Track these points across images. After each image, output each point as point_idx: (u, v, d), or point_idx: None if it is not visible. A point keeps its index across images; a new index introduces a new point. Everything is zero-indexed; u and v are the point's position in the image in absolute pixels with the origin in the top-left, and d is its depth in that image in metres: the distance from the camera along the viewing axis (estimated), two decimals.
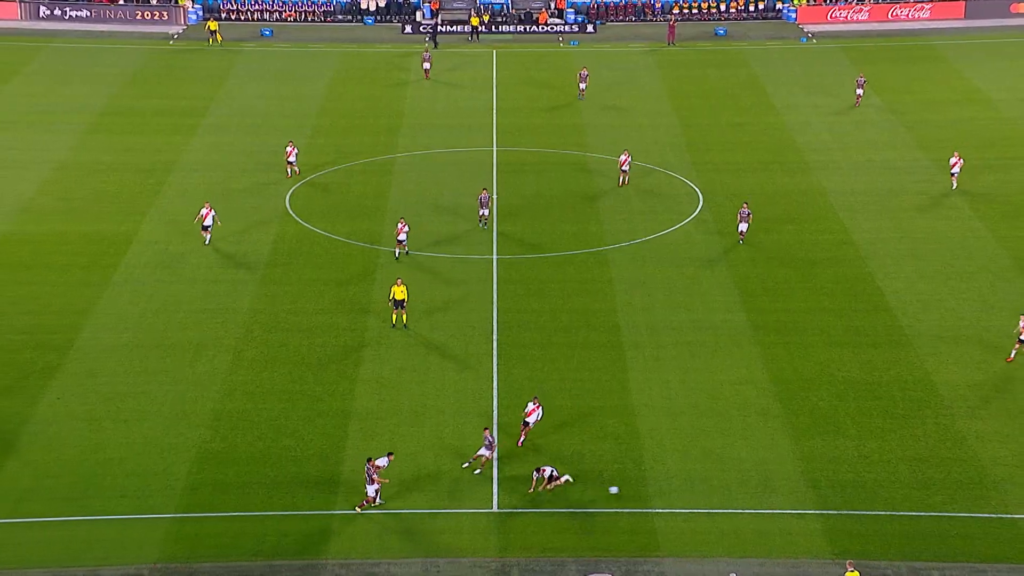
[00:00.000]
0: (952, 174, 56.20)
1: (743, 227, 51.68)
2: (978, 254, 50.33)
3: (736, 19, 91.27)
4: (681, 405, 40.34)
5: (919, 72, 76.92)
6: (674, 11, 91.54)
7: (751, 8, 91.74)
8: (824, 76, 76.93)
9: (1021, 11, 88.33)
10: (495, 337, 44.90)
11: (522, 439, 38.09)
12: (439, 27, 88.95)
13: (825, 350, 43.47)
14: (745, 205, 52.04)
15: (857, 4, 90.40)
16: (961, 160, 56.13)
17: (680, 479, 36.52)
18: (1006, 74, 75.19)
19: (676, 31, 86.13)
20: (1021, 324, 41.00)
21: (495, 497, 35.87)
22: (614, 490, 35.76)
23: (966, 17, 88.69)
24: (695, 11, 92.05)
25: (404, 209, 55.81)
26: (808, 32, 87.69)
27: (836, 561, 32.92)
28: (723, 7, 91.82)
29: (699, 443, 38.16)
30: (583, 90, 71.93)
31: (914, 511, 34.76)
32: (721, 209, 56.12)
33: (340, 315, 46.21)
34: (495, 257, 51.55)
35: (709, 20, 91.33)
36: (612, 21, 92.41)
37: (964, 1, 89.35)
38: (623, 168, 58.66)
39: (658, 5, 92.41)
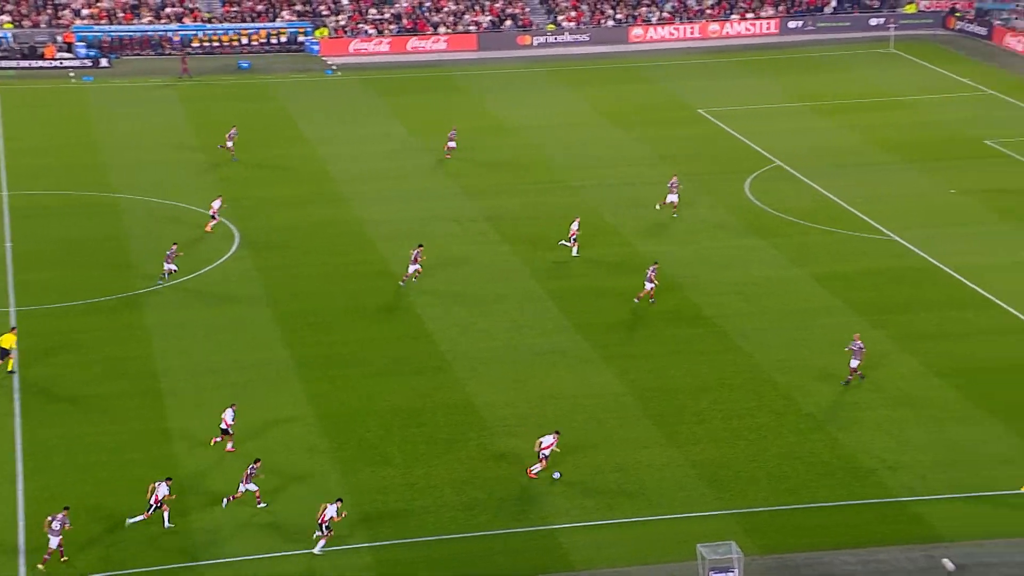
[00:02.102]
0: (573, 239, 54.06)
1: (415, 268, 50.68)
2: (507, 276, 52.89)
3: (259, 52, 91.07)
4: (226, 450, 39.39)
5: (441, 102, 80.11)
6: (193, 44, 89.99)
7: (273, 41, 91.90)
8: (352, 107, 78.34)
9: (527, 43, 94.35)
10: (17, 396, 41.89)
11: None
12: None
13: (370, 380, 44.02)
14: (420, 247, 51.28)
15: (377, 36, 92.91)
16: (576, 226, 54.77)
17: (230, 527, 35.58)
18: (519, 102, 79.92)
19: (188, 63, 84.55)
20: (540, 443, 38.00)
21: (21, 569, 33.38)
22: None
23: (479, 49, 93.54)
24: (216, 44, 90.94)
25: None
26: (332, 64, 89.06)
27: None
28: (245, 40, 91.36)
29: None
30: (230, 148, 66.26)
31: (461, 532, 35.78)
32: (259, 245, 55.60)
33: None
34: (13, 309, 48.21)
35: (231, 53, 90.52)
36: (128, 55, 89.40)
37: (476, 34, 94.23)
38: (213, 215, 56.40)
39: (176, 38, 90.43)
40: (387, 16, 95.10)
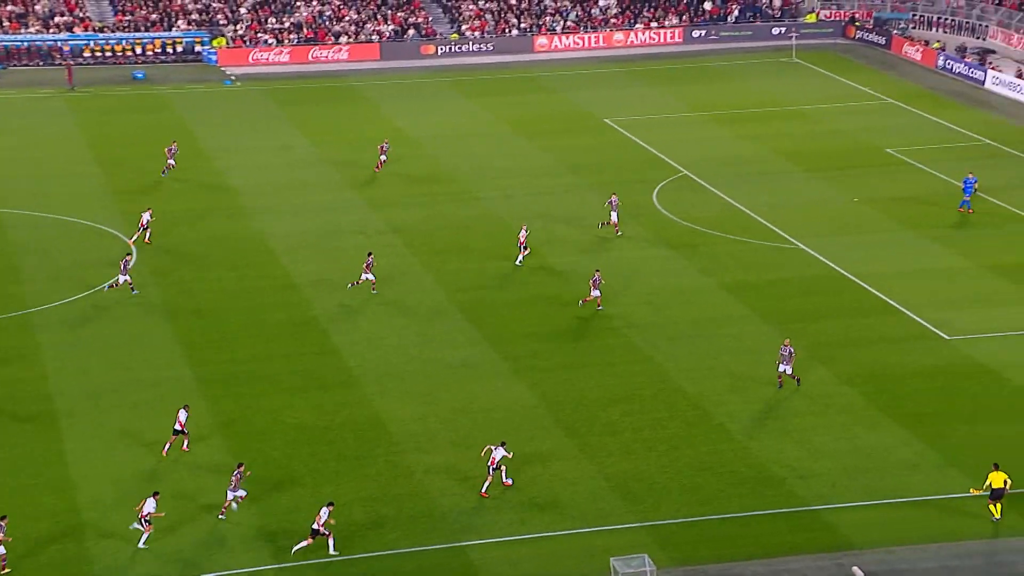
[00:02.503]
0: (521, 248, 54.73)
1: (367, 276, 51.10)
2: (416, 289, 52.75)
3: (154, 62, 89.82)
4: (127, 472, 38.75)
5: (344, 112, 79.81)
6: (84, 54, 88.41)
7: (169, 51, 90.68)
8: (252, 118, 77.68)
9: (430, 52, 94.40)
10: None
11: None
12: None
13: (275, 397, 43.63)
14: (371, 255, 51.75)
15: (277, 46, 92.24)
16: (525, 233, 55.20)
17: (128, 553, 34.99)
18: (423, 112, 79.89)
19: (74, 74, 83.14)
20: (490, 454, 38.28)
21: None
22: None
23: (382, 58, 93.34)
24: (108, 54, 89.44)
25: None
26: (231, 75, 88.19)
27: None
28: (139, 50, 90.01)
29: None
30: (171, 164, 64.97)
31: (370, 552, 35.57)
32: (158, 260, 54.81)
33: None
34: None
35: (125, 63, 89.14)
36: (15, 65, 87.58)
37: (379, 43, 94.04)
38: (143, 226, 55.74)
39: (67, 48, 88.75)
40: (287, 25, 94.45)
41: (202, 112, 78.35)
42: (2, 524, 34.00)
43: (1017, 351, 46.94)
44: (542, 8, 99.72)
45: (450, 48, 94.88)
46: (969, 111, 79.76)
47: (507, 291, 52.61)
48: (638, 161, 70.16)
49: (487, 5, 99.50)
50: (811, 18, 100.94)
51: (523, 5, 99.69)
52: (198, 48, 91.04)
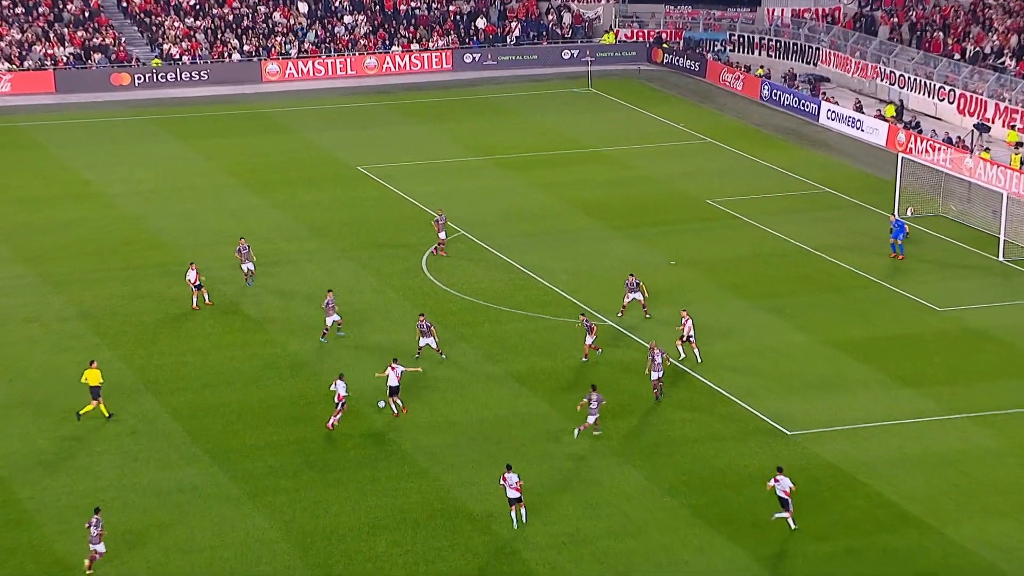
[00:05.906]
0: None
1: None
2: (113, 391, 51.45)
3: None
4: None
5: (9, 162, 78.00)
6: None
7: None
8: None
9: (125, 82, 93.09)
10: None
11: None
12: None
13: None
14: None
15: None
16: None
17: None
18: (117, 160, 78.76)
19: None
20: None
21: None
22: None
23: (58, 91, 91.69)
24: None
25: None
26: None
27: None
28: None
29: None
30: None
31: None
32: None
33: None
34: None
35: None
36: None
37: (53, 71, 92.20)
38: (198, 284, 56.79)
39: None
40: None
41: None
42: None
43: (870, 448, 48.49)
44: (271, 27, 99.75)
45: (151, 77, 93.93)
46: (802, 152, 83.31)
47: (237, 390, 51.93)
48: (402, 219, 70.58)
49: (198, 23, 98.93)
50: (609, 39, 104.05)
51: (245, 23, 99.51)
52: None
